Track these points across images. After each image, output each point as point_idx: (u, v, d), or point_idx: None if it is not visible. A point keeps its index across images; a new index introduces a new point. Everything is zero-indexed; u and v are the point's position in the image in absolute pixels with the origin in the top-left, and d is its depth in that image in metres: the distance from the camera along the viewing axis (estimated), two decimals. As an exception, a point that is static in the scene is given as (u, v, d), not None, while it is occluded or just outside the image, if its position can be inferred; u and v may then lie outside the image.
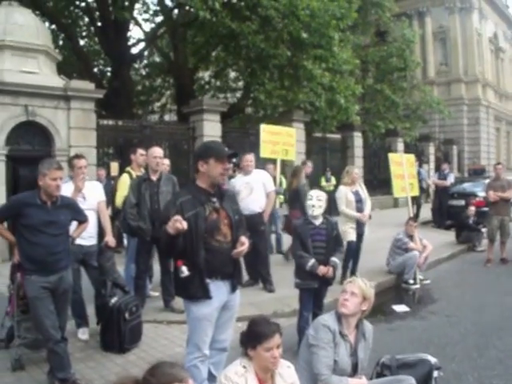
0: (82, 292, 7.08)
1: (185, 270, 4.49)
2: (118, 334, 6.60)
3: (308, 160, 16.58)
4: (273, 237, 13.16)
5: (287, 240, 13.58)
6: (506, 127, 50.31)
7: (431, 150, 32.00)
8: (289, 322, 7.58)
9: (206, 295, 4.56)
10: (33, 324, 5.81)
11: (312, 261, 6.54)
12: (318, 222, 6.75)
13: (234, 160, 11.71)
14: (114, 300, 6.69)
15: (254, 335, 3.86)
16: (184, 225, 4.22)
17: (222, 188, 5.00)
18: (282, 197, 15.10)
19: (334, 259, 6.61)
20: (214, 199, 4.66)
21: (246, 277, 9.58)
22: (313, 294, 6.80)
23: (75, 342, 6.92)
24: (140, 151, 9.04)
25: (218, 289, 4.64)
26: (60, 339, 5.49)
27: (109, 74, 27.45)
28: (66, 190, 6.55)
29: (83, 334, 7.14)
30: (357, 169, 10.61)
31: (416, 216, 17.73)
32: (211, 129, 17.07)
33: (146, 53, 28.70)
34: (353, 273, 9.94)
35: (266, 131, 11.08)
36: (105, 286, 6.79)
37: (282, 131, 11.34)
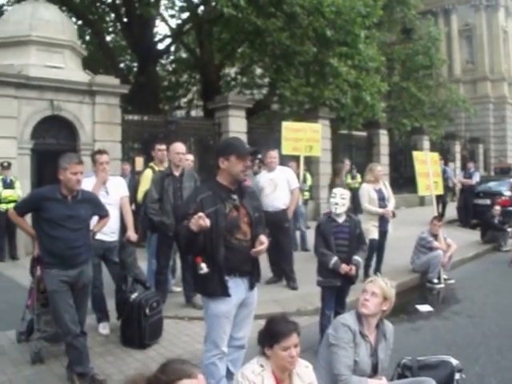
0: (102, 287, 7.08)
1: (204, 267, 4.45)
2: (138, 330, 6.58)
3: (346, 158, 16.56)
4: (297, 234, 13.10)
5: (310, 237, 13.59)
6: (533, 125, 49.62)
7: (457, 148, 31.76)
8: (311, 320, 7.55)
9: (224, 293, 4.52)
10: (52, 318, 5.80)
11: (335, 259, 6.47)
12: (341, 219, 6.68)
13: (259, 156, 11.69)
14: (134, 295, 6.67)
15: (272, 334, 3.80)
16: (207, 222, 4.18)
17: (243, 185, 4.93)
18: (306, 193, 15.07)
19: (356, 258, 6.53)
20: (235, 196, 4.61)
21: (269, 274, 9.61)
22: (335, 292, 6.74)
23: (96, 336, 6.94)
24: (158, 147, 9.04)
25: (237, 286, 4.59)
26: (79, 333, 5.47)
27: (135, 69, 27.55)
28: (89, 184, 6.56)
29: (104, 328, 7.15)
30: (380, 166, 10.50)
31: (442, 215, 17.61)
32: (236, 125, 17.10)
33: (172, 49, 28.75)
34: (377, 271, 9.83)
35: (288, 128, 11.05)
36: (125, 281, 6.77)
37: (305, 127, 11.27)
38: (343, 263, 6.46)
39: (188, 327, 7.32)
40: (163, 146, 8.81)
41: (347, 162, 15.15)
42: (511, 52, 44.32)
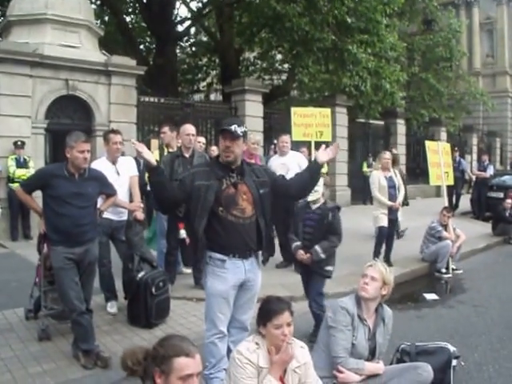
0: (111, 266, 7.15)
1: (182, 233, 4.52)
2: (144, 309, 6.64)
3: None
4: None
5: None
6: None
7: (474, 141, 31.66)
8: (317, 305, 7.56)
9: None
10: (58, 295, 5.86)
11: (295, 244, 6.53)
12: (314, 206, 6.60)
13: (275, 141, 11.67)
14: (140, 274, 6.71)
15: (265, 312, 3.85)
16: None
17: (248, 162, 4.92)
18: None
19: (316, 247, 6.34)
20: (233, 174, 4.58)
21: (280, 258, 9.66)
22: (304, 279, 6.80)
23: (103, 315, 7.05)
24: (163, 129, 9.01)
25: (235, 267, 4.58)
26: (84, 310, 5.53)
27: (154, 51, 27.51)
28: (99, 165, 6.61)
29: (111, 307, 7.22)
30: (388, 154, 10.42)
31: (455, 206, 17.61)
32: (252, 109, 17.15)
33: (192, 31, 28.73)
34: (387, 259, 9.92)
35: (298, 114, 10.98)
36: (132, 260, 6.80)
37: (314, 112, 11.18)
38: (303, 250, 6.45)
39: (196, 308, 7.34)
40: (165, 129, 8.81)
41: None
42: None
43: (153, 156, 4.46)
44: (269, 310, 3.84)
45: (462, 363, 5.57)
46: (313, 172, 4.87)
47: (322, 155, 4.83)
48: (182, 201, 4.62)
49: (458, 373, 5.29)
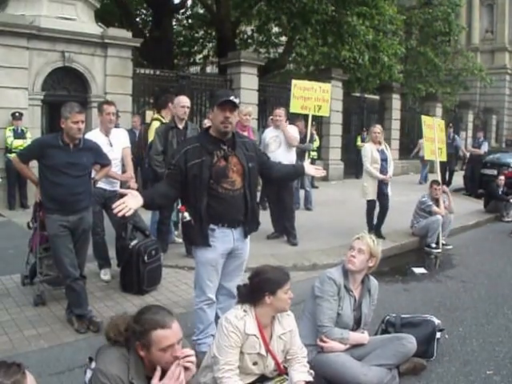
0: (104, 234, 7.27)
1: (187, 216, 4.60)
2: (136, 276, 6.78)
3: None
4: (301, 192, 13.24)
5: (317, 196, 13.75)
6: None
7: (470, 117, 31.66)
8: (307, 275, 7.74)
9: (205, 242, 4.64)
10: (53, 261, 5.98)
11: None
12: None
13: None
14: (133, 243, 6.85)
15: (275, 281, 3.93)
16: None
17: (238, 135, 4.99)
18: (313, 153, 15.18)
19: None
20: (225, 147, 4.64)
21: (271, 229, 9.84)
22: None
23: (97, 282, 7.21)
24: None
25: (224, 236, 4.70)
26: (78, 277, 5.67)
27: (150, 23, 27.36)
28: (93, 136, 6.70)
29: (105, 274, 7.37)
30: (378, 127, 10.43)
31: (448, 183, 17.68)
32: (248, 82, 17.13)
33: (188, 3, 28.54)
34: (377, 232, 9.99)
35: (298, 86, 10.94)
36: (125, 229, 6.92)
37: (315, 86, 11.14)
38: None
39: (187, 276, 7.46)
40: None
41: None
42: None
43: (138, 201, 4.35)
44: (278, 277, 3.96)
45: (447, 336, 5.70)
46: (297, 172, 5.44)
47: (310, 170, 5.25)
48: (178, 191, 4.69)
49: (442, 345, 5.43)
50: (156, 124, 8.79)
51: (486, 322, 6.35)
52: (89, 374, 3.27)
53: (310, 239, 9.71)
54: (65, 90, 13.50)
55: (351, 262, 4.72)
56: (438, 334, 5.32)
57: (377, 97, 24.55)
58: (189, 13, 30.14)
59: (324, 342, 4.60)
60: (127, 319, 3.19)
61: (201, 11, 29.82)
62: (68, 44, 13.04)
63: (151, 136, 8.55)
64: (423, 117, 11.43)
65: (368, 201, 10.09)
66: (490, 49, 41.25)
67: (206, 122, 9.49)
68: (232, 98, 4.55)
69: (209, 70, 33.49)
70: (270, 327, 4.03)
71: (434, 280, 8.32)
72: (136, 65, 15.33)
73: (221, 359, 3.78)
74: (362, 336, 4.81)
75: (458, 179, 19.78)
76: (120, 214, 4.15)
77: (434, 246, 10.21)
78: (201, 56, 31.38)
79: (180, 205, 5.06)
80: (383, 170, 9.98)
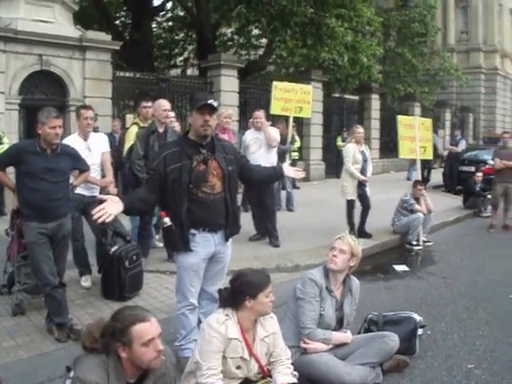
0: (83, 240, 7.19)
1: (167, 221, 4.57)
2: (118, 282, 6.70)
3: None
4: (283, 193, 13.24)
5: (298, 197, 13.75)
6: (522, 98, 50.31)
7: (447, 116, 32.07)
8: (290, 276, 7.74)
9: (186, 247, 4.61)
10: (32, 270, 5.89)
11: None
12: None
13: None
14: (114, 248, 6.79)
15: (255, 284, 3.91)
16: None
17: (217, 138, 4.99)
18: (294, 154, 15.21)
19: None
20: (204, 151, 4.61)
21: (254, 231, 9.85)
22: None
23: (78, 289, 7.11)
24: (143, 104, 8.96)
25: (205, 241, 4.67)
26: (58, 284, 5.59)
27: (130, 26, 27.28)
28: (71, 141, 6.64)
29: (85, 281, 7.27)
30: (361, 128, 10.58)
31: (427, 180, 17.85)
32: (228, 84, 17.17)
33: (168, 6, 28.53)
34: (361, 230, 10.19)
35: (279, 88, 10.95)
36: (105, 234, 6.87)
37: (296, 88, 11.16)
38: None
39: (168, 281, 7.39)
40: (149, 103, 8.76)
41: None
42: (505, 25, 44.56)
43: (118, 206, 4.31)
44: (259, 281, 3.94)
45: (429, 332, 5.75)
46: (276, 174, 5.37)
47: (290, 171, 5.20)
48: (158, 196, 4.64)
49: (425, 341, 5.48)
50: (134, 128, 8.69)
51: (466, 317, 6.43)
52: (68, 383, 3.23)
53: (292, 240, 9.71)
54: (42, 93, 13.34)
55: (333, 261, 4.73)
56: (420, 331, 5.36)
57: (356, 97, 24.74)
58: (169, 15, 30.11)
59: (307, 343, 4.60)
60: (102, 325, 3.16)
61: (181, 14, 29.79)
62: (45, 47, 12.87)
63: (128, 141, 8.48)
64: (400, 117, 11.51)
65: (348, 200, 10.17)
66: (466, 49, 41.96)
67: (176, 126, 9.43)
68: (211, 101, 4.54)
69: (189, 72, 33.45)
70: (252, 330, 4.00)
71: (415, 277, 8.40)
72: (116, 68, 15.25)
73: (203, 364, 3.74)
74: (344, 335, 4.82)
75: (437, 176, 20.10)
76: (100, 221, 4.11)
77: (414, 243, 10.31)
78: (181, 58, 31.41)
79: (160, 210, 5.02)
80: (363, 171, 10.13)
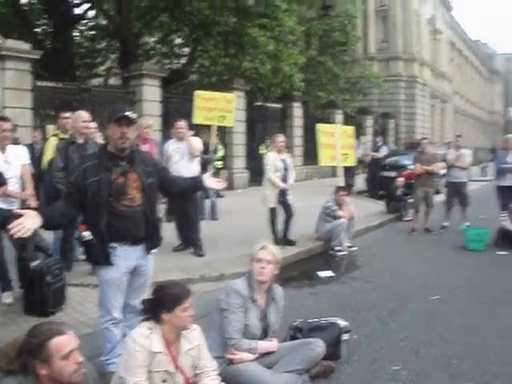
0: (4, 255, 6.97)
1: (86, 235, 4.52)
2: (40, 297, 6.55)
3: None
4: (207, 202, 13.24)
5: (222, 206, 13.78)
6: (440, 104, 53.11)
7: (369, 123, 33.02)
8: (215, 286, 7.71)
9: (106, 261, 4.57)
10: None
11: None
12: None
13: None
14: (35, 263, 6.63)
15: (173, 298, 3.87)
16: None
17: (137, 150, 4.98)
18: (218, 163, 15.27)
19: None
20: (123, 163, 4.57)
21: (178, 241, 9.83)
22: None
23: (-1, 306, 6.91)
24: (62, 114, 8.83)
25: (126, 254, 4.63)
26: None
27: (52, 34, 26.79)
28: None
29: (7, 297, 7.03)
30: (282, 137, 10.71)
31: (350, 185, 18.18)
32: (151, 94, 17.15)
33: (90, 14, 28.17)
34: (285, 237, 10.33)
35: (201, 97, 10.97)
36: (25, 249, 6.71)
37: (218, 97, 11.20)
38: None
39: (93, 295, 7.18)
40: (67, 114, 8.63)
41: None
42: (422, 34, 46.66)
43: (36, 221, 4.18)
44: (177, 295, 3.89)
45: (355, 336, 5.83)
46: (196, 185, 5.33)
47: (210, 182, 5.17)
48: (78, 209, 4.58)
49: (351, 346, 5.55)
50: (53, 140, 8.55)
51: (390, 321, 6.55)
52: (-14, 409, 3.14)
53: (216, 249, 9.72)
54: (-41, 104, 12.97)
55: (262, 274, 4.75)
56: (346, 336, 5.45)
57: (279, 105, 25.09)
58: (91, 24, 29.70)
59: (233, 354, 4.61)
60: (18, 343, 3.09)
61: (103, 22, 29.45)
62: (-40, 56, 12.53)
63: (48, 152, 8.34)
64: (319, 125, 11.64)
65: (270, 208, 10.25)
66: (386, 57, 43.62)
67: (97, 137, 9.33)
68: (128, 113, 4.50)
69: (112, 81, 33.06)
70: (176, 343, 3.98)
71: (339, 282, 8.53)
72: (37, 77, 14.94)
73: (129, 380, 3.70)
74: (270, 344, 4.84)
75: (361, 182, 20.59)
76: (17, 236, 4.01)
77: (338, 248, 10.41)
78: (104, 68, 31.00)
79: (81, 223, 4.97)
80: (284, 179, 10.22)
